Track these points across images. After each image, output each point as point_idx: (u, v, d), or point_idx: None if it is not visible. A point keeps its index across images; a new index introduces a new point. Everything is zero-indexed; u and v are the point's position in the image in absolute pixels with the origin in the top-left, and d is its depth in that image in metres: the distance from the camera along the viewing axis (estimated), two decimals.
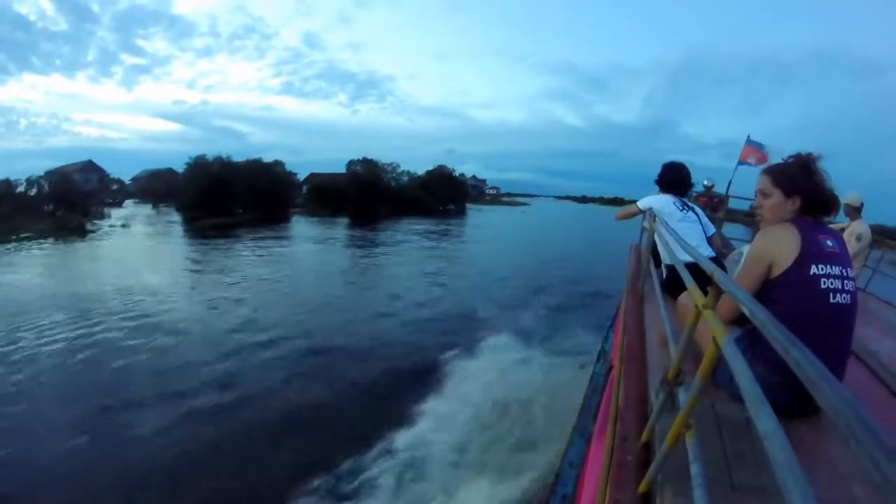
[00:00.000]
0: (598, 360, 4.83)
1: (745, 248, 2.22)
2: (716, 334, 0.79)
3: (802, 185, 1.61)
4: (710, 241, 3.07)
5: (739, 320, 1.64)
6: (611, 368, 4.23)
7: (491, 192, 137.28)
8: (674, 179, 3.18)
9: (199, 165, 38.81)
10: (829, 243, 1.53)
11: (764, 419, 0.51)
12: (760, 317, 0.63)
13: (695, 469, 0.82)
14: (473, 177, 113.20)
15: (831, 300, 1.48)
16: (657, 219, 2.83)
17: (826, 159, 1.65)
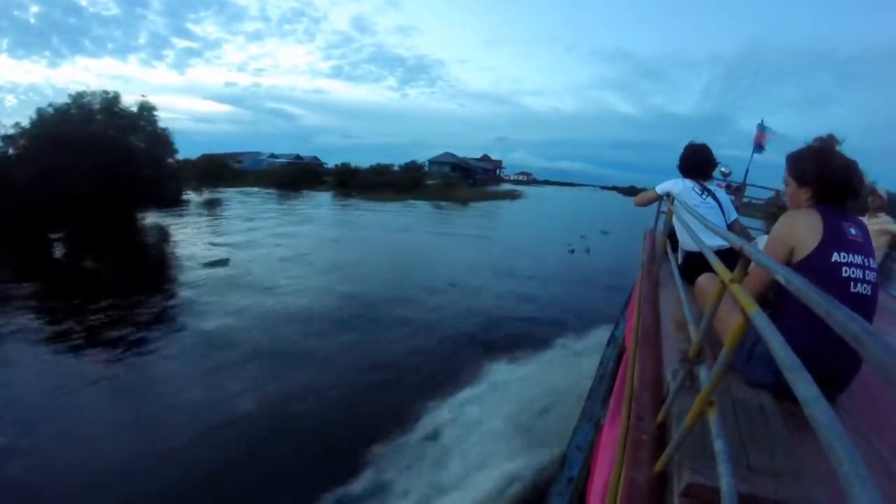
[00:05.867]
0: (608, 345, 4.81)
1: (763, 239, 2.18)
2: (745, 306, 0.76)
3: (813, 175, 1.59)
4: (730, 227, 2.99)
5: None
6: (622, 353, 4.20)
7: (519, 177, 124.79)
8: (695, 163, 3.08)
9: None
10: (853, 231, 1.50)
11: (803, 386, 0.49)
12: (796, 283, 0.60)
13: (718, 445, 0.80)
14: (485, 156, 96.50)
15: (852, 289, 1.44)
16: (676, 203, 2.77)
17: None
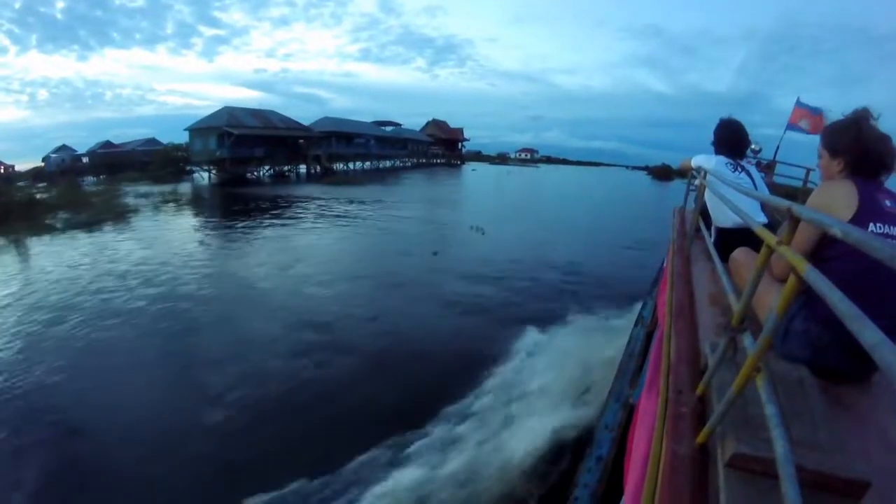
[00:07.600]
0: (635, 325, 4.77)
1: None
2: (796, 266, 0.74)
3: (847, 146, 1.56)
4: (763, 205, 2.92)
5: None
6: (650, 332, 4.15)
7: (521, 154, 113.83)
8: (729, 140, 2.99)
9: None
10: (888, 203, 1.46)
11: (869, 332, 0.48)
12: (854, 233, 0.58)
13: (769, 410, 0.79)
14: (434, 122, 72.09)
15: None
16: (709, 178, 2.71)
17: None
